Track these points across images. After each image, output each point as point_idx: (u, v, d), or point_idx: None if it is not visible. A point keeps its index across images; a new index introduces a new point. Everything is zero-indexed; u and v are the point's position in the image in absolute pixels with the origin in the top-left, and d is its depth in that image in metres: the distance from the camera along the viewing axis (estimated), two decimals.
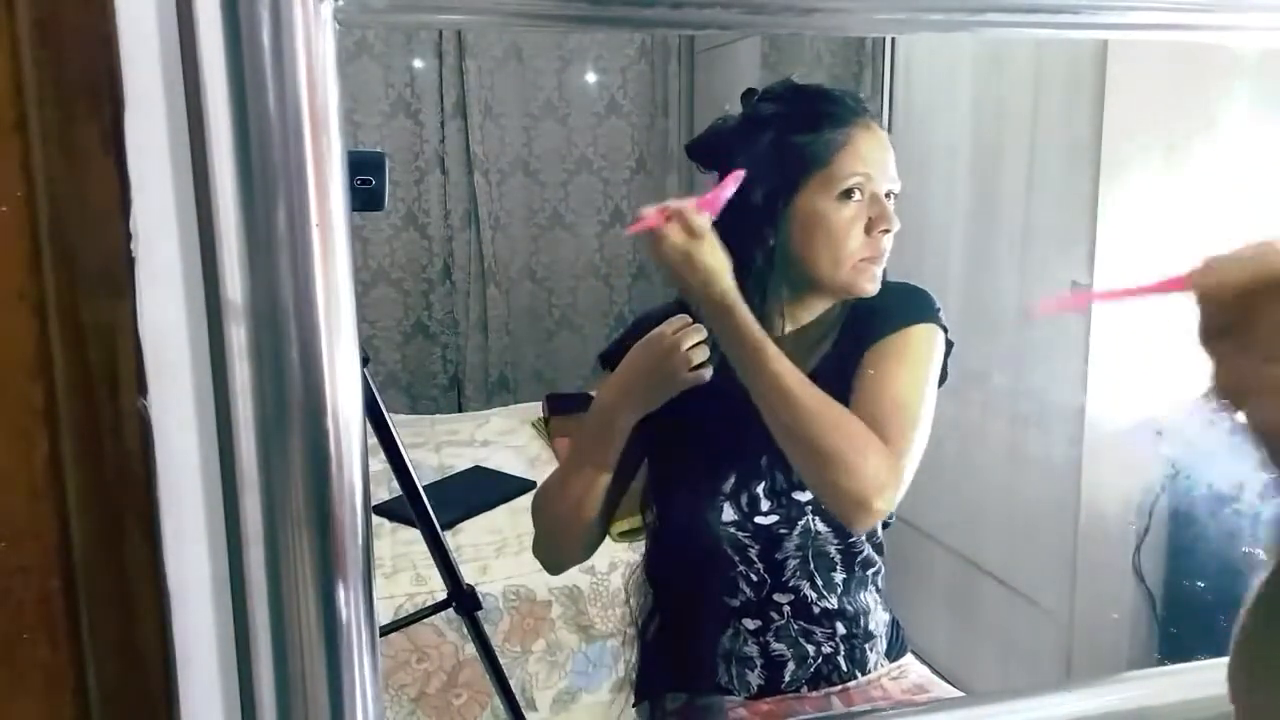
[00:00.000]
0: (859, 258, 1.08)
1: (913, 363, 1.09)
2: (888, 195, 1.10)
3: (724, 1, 0.57)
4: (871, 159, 1.08)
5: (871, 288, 1.10)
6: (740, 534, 1.13)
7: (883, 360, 1.08)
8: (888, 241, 1.09)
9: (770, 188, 1.07)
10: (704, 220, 0.99)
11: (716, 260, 0.99)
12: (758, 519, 1.12)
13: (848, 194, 1.07)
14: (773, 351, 1.00)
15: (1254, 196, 1.89)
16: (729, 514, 1.12)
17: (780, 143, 1.08)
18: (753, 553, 1.13)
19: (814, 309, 1.14)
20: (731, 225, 1.03)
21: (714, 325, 1.02)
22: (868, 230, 1.08)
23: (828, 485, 1.00)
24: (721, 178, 1.07)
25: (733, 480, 1.13)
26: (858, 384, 1.07)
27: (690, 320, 1.05)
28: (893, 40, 2.57)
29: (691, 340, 1.03)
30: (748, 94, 1.15)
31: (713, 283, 0.99)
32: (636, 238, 4.28)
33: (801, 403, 0.99)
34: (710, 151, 1.14)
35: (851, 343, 1.12)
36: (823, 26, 0.87)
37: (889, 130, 2.67)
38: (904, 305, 1.12)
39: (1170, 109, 1.90)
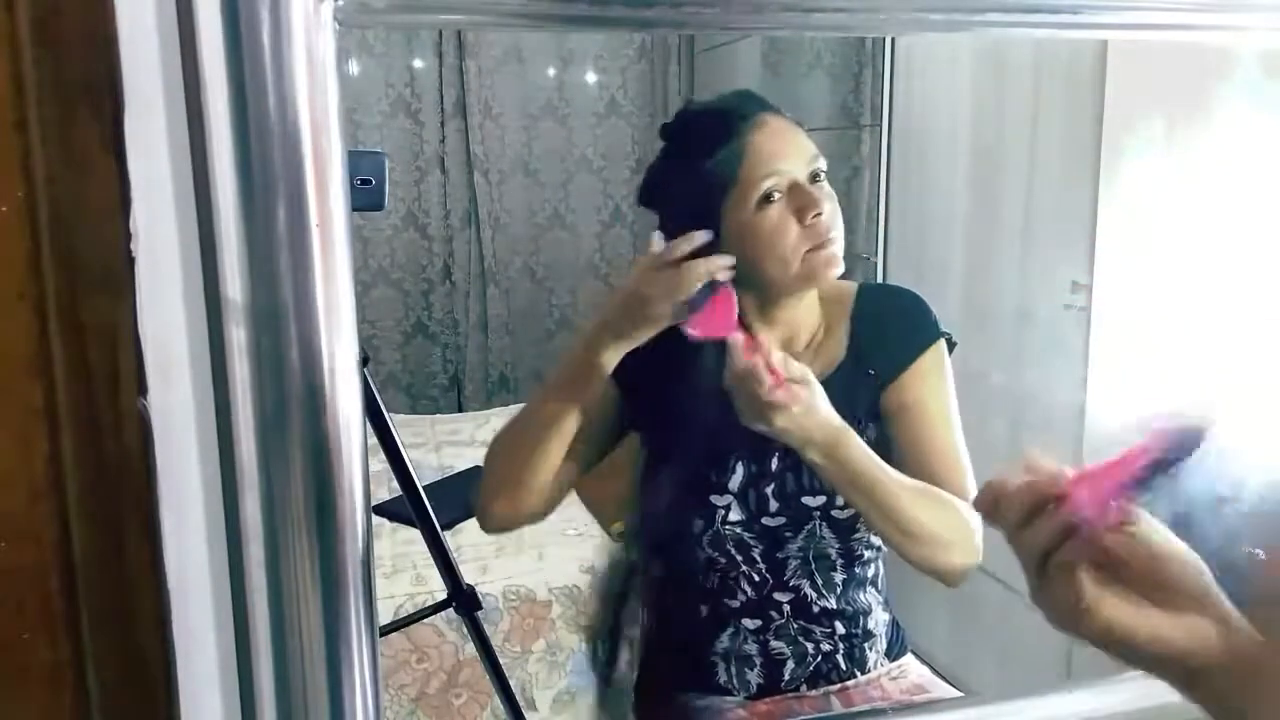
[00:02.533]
0: (804, 250, 1.06)
1: (938, 396, 1.14)
2: (814, 177, 1.07)
3: (724, 1, 0.57)
4: (776, 155, 1.06)
5: (833, 272, 1.08)
6: (746, 534, 1.13)
7: (912, 407, 1.13)
8: (826, 220, 1.06)
9: (700, 219, 1.06)
10: (804, 371, 0.99)
11: (831, 413, 1.00)
12: (764, 520, 1.12)
13: (766, 198, 1.05)
14: (888, 478, 1.03)
15: (1255, 197, 1.89)
16: (736, 513, 1.12)
17: (689, 173, 1.07)
18: (756, 552, 1.13)
19: (789, 306, 1.13)
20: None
21: (820, 460, 1.01)
22: (800, 220, 1.06)
23: (933, 562, 1.06)
24: (661, 218, 1.10)
25: (742, 479, 1.12)
26: (898, 436, 1.12)
27: (682, 249, 1.00)
28: (893, 40, 2.57)
29: (686, 276, 0.99)
30: (664, 129, 1.14)
31: (836, 440, 1.00)
32: (637, 238, 4.31)
33: (911, 514, 1.03)
34: (648, 194, 1.14)
35: (862, 369, 1.13)
36: (823, 26, 0.87)
37: (889, 130, 2.67)
38: (909, 329, 1.15)
39: (1170, 108, 1.90)
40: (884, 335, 1.13)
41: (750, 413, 0.98)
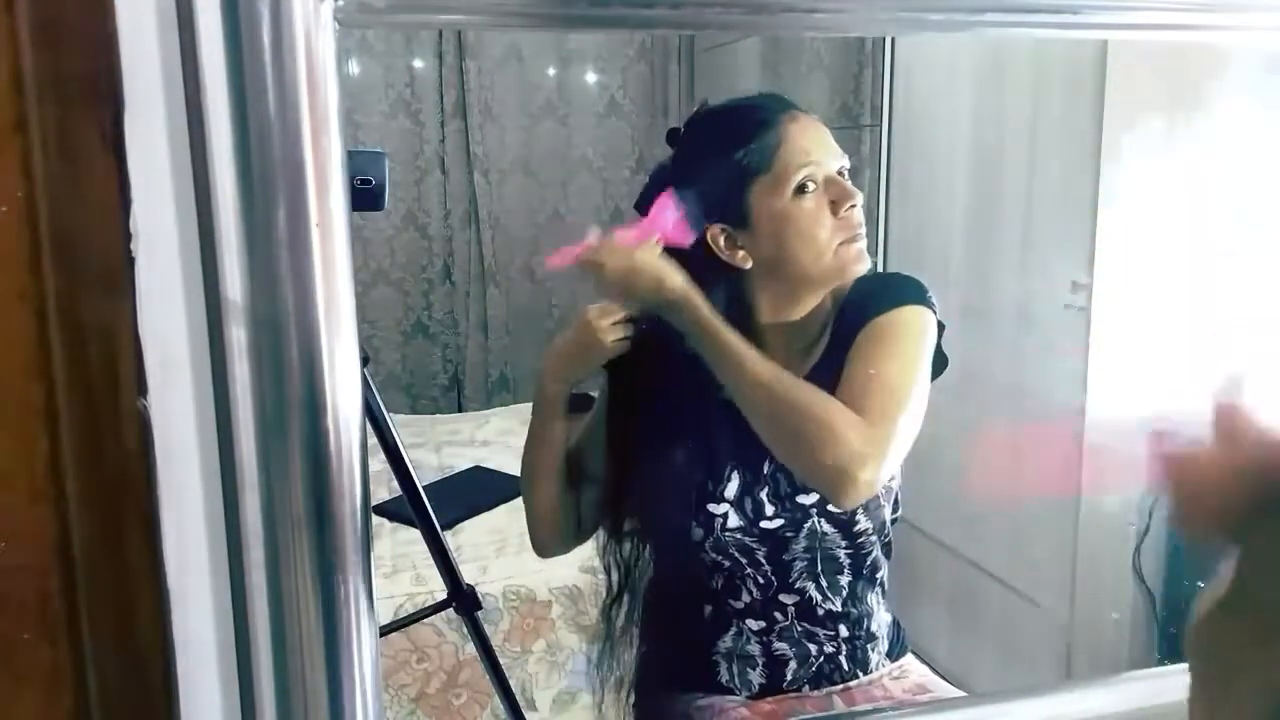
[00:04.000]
0: (837, 242, 1.08)
1: (897, 342, 1.07)
2: (839, 173, 1.09)
3: (724, 1, 0.57)
4: (811, 146, 1.08)
5: (861, 267, 1.09)
6: (747, 539, 1.13)
7: (868, 341, 1.08)
8: (858, 214, 1.09)
9: (724, 208, 1.08)
10: (622, 235, 1.04)
11: (658, 263, 1.03)
12: (763, 524, 1.12)
13: (801, 188, 1.07)
14: (734, 341, 1.02)
15: (1255, 195, 1.89)
16: (734, 520, 1.12)
17: (718, 165, 1.08)
18: (760, 555, 1.13)
19: (806, 303, 1.14)
20: (697, 254, 1.07)
21: (679, 325, 1.04)
22: (834, 212, 1.07)
23: (806, 462, 1.01)
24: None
25: (736, 487, 1.13)
26: (845, 367, 1.07)
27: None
28: (893, 40, 2.57)
29: (609, 318, 1.09)
30: (671, 134, 1.16)
31: (664, 284, 1.03)
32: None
33: (770, 386, 1.01)
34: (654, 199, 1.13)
35: (844, 334, 1.12)
36: (823, 26, 0.87)
37: (889, 130, 2.67)
38: (891, 290, 1.12)
39: (1170, 108, 1.90)
40: (862, 302, 1.11)
41: (596, 288, 1.07)
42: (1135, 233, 1.92)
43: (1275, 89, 1.87)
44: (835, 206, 1.07)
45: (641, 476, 1.17)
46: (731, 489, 1.13)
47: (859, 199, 1.08)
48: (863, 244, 1.09)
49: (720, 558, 1.14)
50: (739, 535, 1.13)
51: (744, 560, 1.14)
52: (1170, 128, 1.91)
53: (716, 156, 1.08)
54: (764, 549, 1.13)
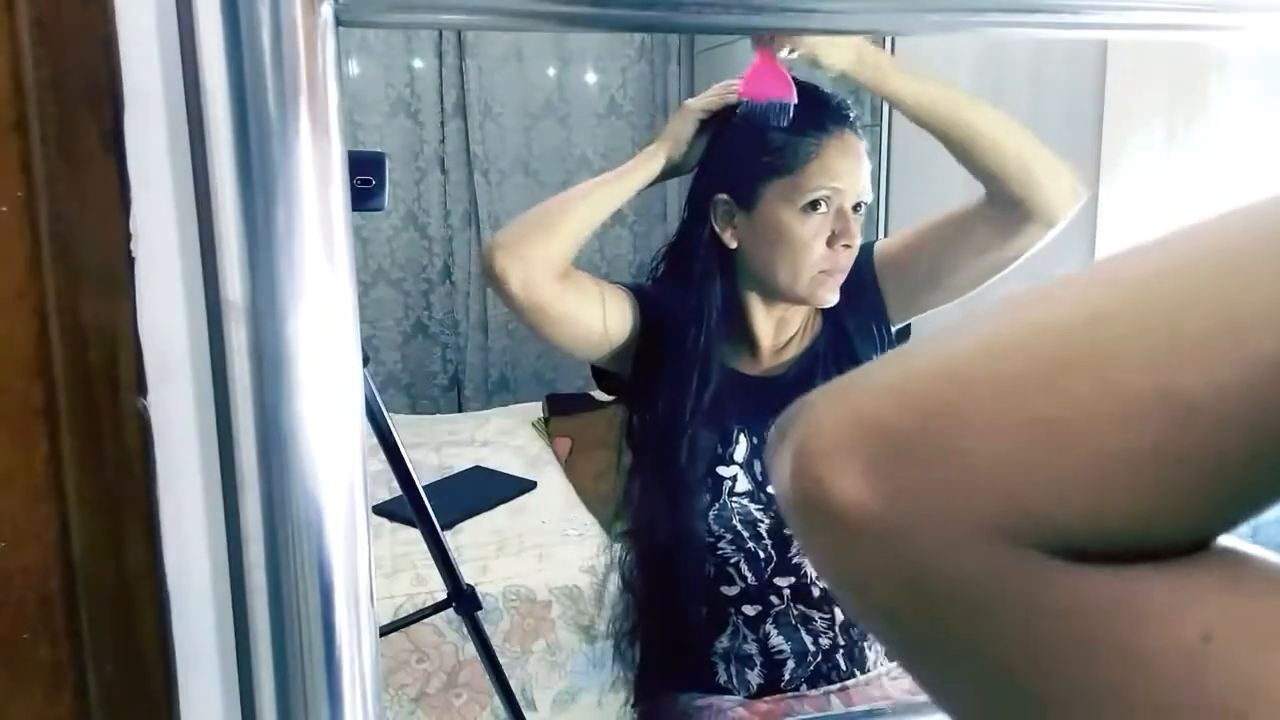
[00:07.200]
0: (819, 270, 1.09)
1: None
2: (856, 207, 1.10)
3: (724, 1, 0.57)
4: (842, 172, 1.08)
5: (830, 299, 1.11)
6: (752, 505, 1.13)
7: (896, 242, 1.20)
8: (848, 257, 1.09)
9: (736, 184, 1.09)
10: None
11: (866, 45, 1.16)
12: (770, 487, 1.13)
13: (814, 205, 1.07)
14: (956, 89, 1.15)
15: (1255, 195, 1.89)
16: (744, 483, 1.13)
17: (752, 142, 1.08)
18: (762, 527, 1.14)
19: (792, 322, 1.18)
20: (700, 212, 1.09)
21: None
22: (829, 243, 1.08)
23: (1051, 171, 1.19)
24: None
25: (745, 450, 1.14)
26: (911, 248, 1.19)
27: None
28: (893, 40, 2.56)
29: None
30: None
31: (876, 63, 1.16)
32: (637, 238, 4.30)
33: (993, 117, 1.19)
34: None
35: (840, 320, 1.17)
36: (823, 26, 0.87)
37: (889, 130, 2.67)
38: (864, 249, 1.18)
39: (1170, 108, 1.90)
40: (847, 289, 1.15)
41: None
42: (1135, 232, 1.92)
43: (1275, 85, 1.87)
44: (834, 238, 1.08)
45: (654, 449, 1.17)
46: (740, 452, 1.14)
47: (856, 244, 1.09)
48: (840, 280, 1.11)
49: (722, 529, 1.14)
50: (745, 501, 1.13)
51: (746, 534, 1.14)
52: (1171, 127, 1.91)
53: (755, 133, 1.07)
54: (767, 520, 1.14)
